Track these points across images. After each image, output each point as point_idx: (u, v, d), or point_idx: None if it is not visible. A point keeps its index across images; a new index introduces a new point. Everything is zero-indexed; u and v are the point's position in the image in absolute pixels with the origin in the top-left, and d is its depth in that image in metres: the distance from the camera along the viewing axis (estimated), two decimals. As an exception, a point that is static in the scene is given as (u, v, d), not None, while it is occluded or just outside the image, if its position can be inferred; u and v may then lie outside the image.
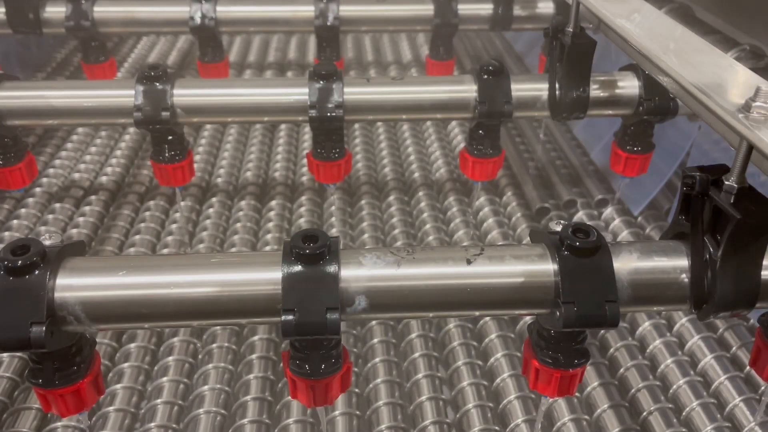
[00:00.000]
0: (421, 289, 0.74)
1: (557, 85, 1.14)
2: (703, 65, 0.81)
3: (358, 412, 1.01)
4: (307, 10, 1.53)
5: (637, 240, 0.78)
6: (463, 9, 1.55)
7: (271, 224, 1.36)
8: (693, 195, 0.72)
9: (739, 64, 0.81)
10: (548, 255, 0.74)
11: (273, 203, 1.43)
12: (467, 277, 0.74)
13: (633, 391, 1.05)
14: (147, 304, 0.72)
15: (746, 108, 0.69)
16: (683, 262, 0.74)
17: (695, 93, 0.76)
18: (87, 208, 1.39)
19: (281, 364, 0.98)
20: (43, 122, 1.21)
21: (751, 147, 0.67)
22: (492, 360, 1.09)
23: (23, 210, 1.38)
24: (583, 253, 0.72)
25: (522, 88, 1.16)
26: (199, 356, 1.09)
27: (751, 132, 0.66)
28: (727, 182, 0.69)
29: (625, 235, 1.33)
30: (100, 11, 1.51)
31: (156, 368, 1.07)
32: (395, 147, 1.66)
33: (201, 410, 1.00)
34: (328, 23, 1.51)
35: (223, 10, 1.52)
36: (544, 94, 1.16)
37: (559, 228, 0.75)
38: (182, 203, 1.38)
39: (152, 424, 0.98)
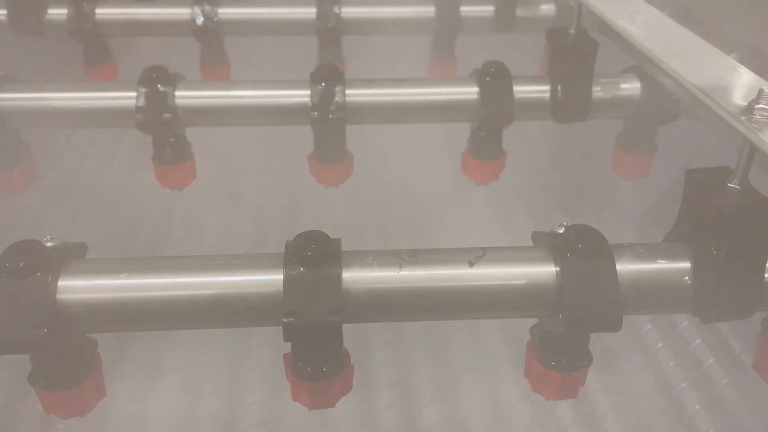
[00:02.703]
0: (423, 291, 0.74)
1: (559, 88, 1.13)
2: (705, 67, 0.81)
3: (360, 415, 1.00)
4: (309, 13, 1.53)
5: (639, 242, 0.78)
6: (465, 11, 1.54)
7: (272, 226, 1.36)
8: (696, 197, 0.72)
9: (742, 66, 0.81)
10: (551, 257, 0.74)
11: (275, 205, 1.43)
12: (469, 279, 0.74)
13: (636, 393, 1.04)
14: (148, 306, 0.72)
15: (749, 110, 0.69)
16: (686, 265, 0.74)
17: (697, 95, 0.76)
18: (88, 210, 1.40)
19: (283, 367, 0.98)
20: (45, 124, 1.21)
21: (753, 149, 0.66)
22: (494, 362, 1.08)
23: (24, 212, 1.38)
24: (586, 255, 0.72)
25: (524, 90, 1.16)
26: (200, 358, 1.09)
27: (753, 134, 0.66)
28: (729, 184, 0.69)
29: (627, 237, 1.33)
30: (102, 13, 1.51)
31: (157, 370, 1.07)
32: (397, 148, 1.66)
33: (202, 412, 1.00)
34: (330, 25, 1.51)
35: (225, 12, 1.52)
36: (547, 96, 1.16)
37: (561, 230, 0.75)
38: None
39: (153, 426, 0.98)
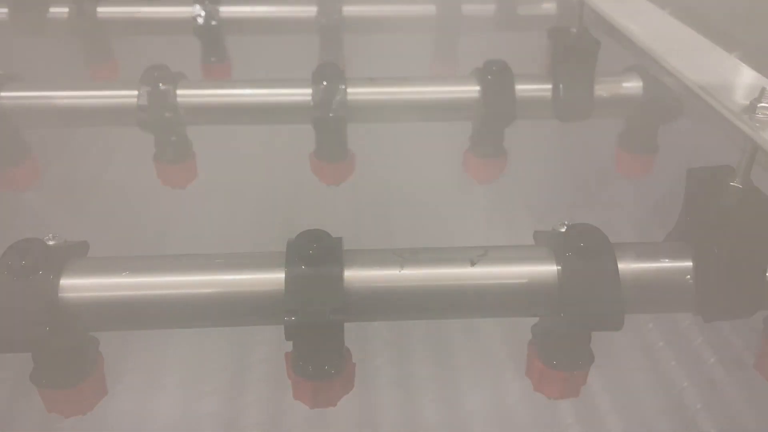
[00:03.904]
0: (425, 290, 0.74)
1: (561, 86, 1.13)
2: (707, 66, 0.81)
3: (361, 414, 1.00)
4: (310, 11, 1.53)
5: (641, 241, 0.78)
6: (467, 9, 1.54)
7: (274, 224, 1.36)
8: (698, 196, 0.72)
9: (745, 65, 0.81)
10: (552, 256, 0.74)
11: (276, 203, 1.43)
12: (470, 278, 0.74)
13: (637, 392, 1.04)
14: (150, 305, 0.72)
15: (751, 109, 0.69)
16: (688, 264, 0.74)
17: (700, 94, 0.75)
18: (90, 208, 1.40)
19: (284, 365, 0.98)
20: (46, 122, 1.21)
21: (756, 148, 0.66)
22: (495, 361, 1.08)
23: (26, 210, 1.38)
24: (587, 254, 0.72)
25: (526, 89, 1.15)
26: (202, 357, 1.09)
27: (755, 133, 0.66)
28: (732, 183, 0.69)
29: (629, 236, 1.32)
30: (103, 12, 1.51)
31: (158, 368, 1.07)
32: (399, 147, 1.66)
33: (203, 411, 1.00)
34: (331, 24, 1.51)
35: (227, 11, 1.51)
36: (548, 94, 1.16)
37: (563, 229, 0.75)
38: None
39: (154, 425, 0.98)
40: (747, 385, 1.04)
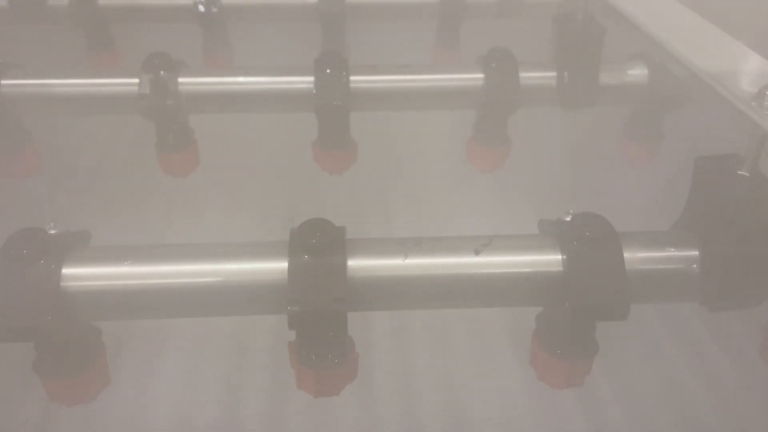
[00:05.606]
0: (428, 279, 0.74)
1: (566, 74, 1.12)
2: (715, 52, 0.80)
3: (364, 402, 1.00)
4: (313, -2, 1.51)
5: (647, 230, 0.77)
6: (471, -4, 1.52)
7: (277, 214, 1.35)
8: (705, 184, 0.71)
9: (753, 52, 0.80)
10: (557, 245, 0.74)
11: (279, 193, 1.43)
12: (475, 267, 0.74)
13: (640, 383, 1.04)
14: (152, 294, 0.72)
15: (760, 96, 0.68)
16: (694, 253, 0.73)
17: (707, 81, 0.75)
18: (91, 197, 1.39)
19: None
20: (47, 111, 1.20)
21: (764, 136, 0.66)
22: (498, 350, 1.08)
23: (27, 199, 1.38)
24: (593, 243, 0.72)
25: (530, 77, 1.14)
26: (204, 346, 1.09)
27: (764, 121, 0.65)
28: (739, 172, 0.68)
29: (635, 225, 1.31)
30: (104, -1, 1.50)
31: (159, 358, 1.07)
32: (401, 136, 1.65)
33: (205, 399, 1.00)
34: (334, 11, 1.49)
35: (229, -3, 1.50)
36: (553, 82, 1.15)
37: (568, 218, 0.75)
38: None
39: (157, 413, 0.98)
40: (750, 374, 1.03)
